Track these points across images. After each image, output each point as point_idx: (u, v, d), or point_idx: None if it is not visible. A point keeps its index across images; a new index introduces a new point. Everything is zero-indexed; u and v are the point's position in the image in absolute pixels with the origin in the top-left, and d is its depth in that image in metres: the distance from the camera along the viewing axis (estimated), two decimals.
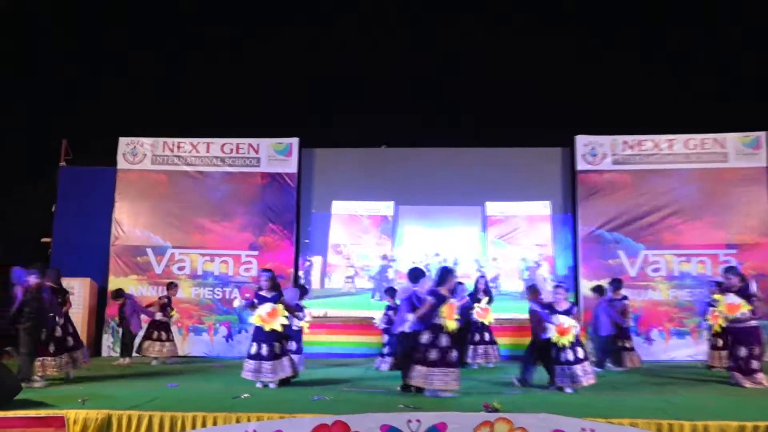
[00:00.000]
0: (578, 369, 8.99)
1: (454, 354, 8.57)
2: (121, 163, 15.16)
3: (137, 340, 12.84)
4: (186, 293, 14.49)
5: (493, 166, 15.05)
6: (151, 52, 16.38)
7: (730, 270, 10.11)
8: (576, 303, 12.87)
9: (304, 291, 11.71)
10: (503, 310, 13.35)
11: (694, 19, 15.37)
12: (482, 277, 12.78)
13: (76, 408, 7.27)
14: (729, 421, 6.80)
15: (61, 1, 15.41)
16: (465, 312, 11.36)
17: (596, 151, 14.66)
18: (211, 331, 14.41)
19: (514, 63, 16.12)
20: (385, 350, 11.51)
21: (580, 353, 9.08)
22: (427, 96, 16.06)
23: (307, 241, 15.05)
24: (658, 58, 15.94)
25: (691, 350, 13.53)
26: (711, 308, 11.12)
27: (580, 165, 14.66)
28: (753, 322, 9.71)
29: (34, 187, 15.98)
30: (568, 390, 8.92)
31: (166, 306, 13.07)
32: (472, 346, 11.96)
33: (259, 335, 9.32)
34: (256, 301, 9.50)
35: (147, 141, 15.24)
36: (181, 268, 14.80)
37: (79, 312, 13.70)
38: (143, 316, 13.03)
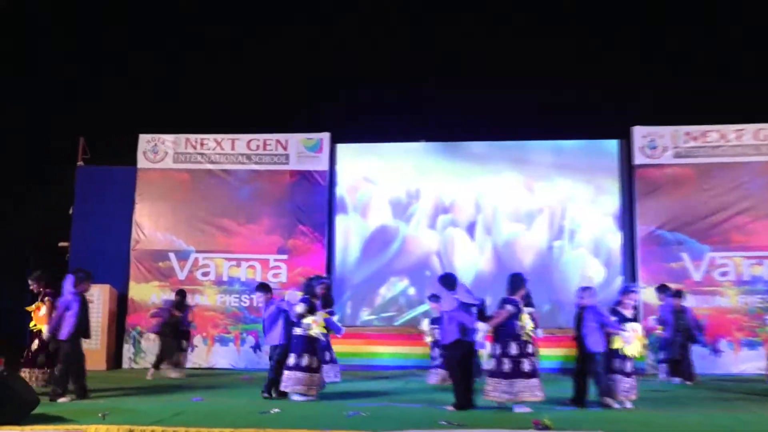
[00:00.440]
0: (634, 381, 8.92)
1: (528, 363, 8.59)
2: (142, 162, 15.40)
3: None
4: (211, 300, 14.67)
5: (543, 159, 15.04)
6: (151, 52, 16.70)
7: None
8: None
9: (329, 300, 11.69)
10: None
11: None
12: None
13: (96, 423, 7.36)
14: None
15: (61, 1, 15.81)
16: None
17: (656, 144, 14.47)
18: (237, 342, 14.57)
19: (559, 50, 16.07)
20: (436, 362, 11.51)
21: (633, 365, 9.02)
22: (468, 87, 16.03)
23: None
24: (717, 45, 15.72)
25: (764, 363, 13.26)
26: None
27: (638, 159, 14.49)
28: None
29: (49, 188, 16.30)
30: (628, 405, 8.82)
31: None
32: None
33: (306, 345, 9.43)
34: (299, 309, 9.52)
35: (168, 138, 15.46)
36: (205, 274, 14.98)
37: (98, 320, 13.96)
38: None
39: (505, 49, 16.02)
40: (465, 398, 8.59)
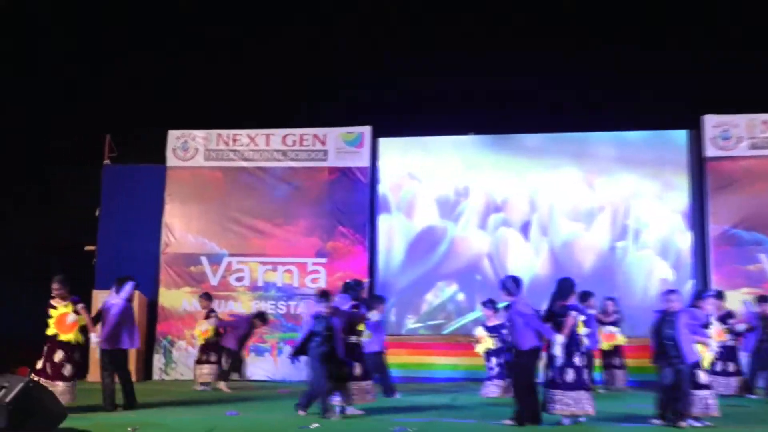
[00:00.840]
0: (713, 395, 8.76)
1: (588, 374, 8.62)
2: (171, 160, 15.61)
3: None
4: (245, 307, 14.79)
5: (605, 152, 14.90)
6: (181, 41, 16.93)
7: None
8: None
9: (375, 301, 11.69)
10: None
11: None
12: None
13: None
14: None
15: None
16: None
17: (729, 134, 14.23)
18: (274, 351, 14.69)
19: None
20: (493, 372, 11.48)
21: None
22: (520, 75, 15.90)
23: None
24: None
25: None
26: None
27: (710, 151, 14.26)
28: None
29: (73, 188, 16.59)
30: (708, 423, 8.61)
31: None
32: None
33: (358, 353, 9.53)
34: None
35: (199, 134, 15.65)
36: (239, 279, 15.13)
37: None
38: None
39: (559, 33, 15.85)
40: (533, 412, 8.53)
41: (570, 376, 8.49)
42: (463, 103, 15.97)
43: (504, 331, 11.03)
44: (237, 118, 15.83)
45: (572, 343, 8.60)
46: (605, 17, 16.09)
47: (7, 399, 7.15)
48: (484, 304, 11.98)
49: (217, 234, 15.29)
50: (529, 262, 14.68)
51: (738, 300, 12.74)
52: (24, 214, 16.62)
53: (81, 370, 10.12)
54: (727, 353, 11.69)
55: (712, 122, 14.34)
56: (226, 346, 12.83)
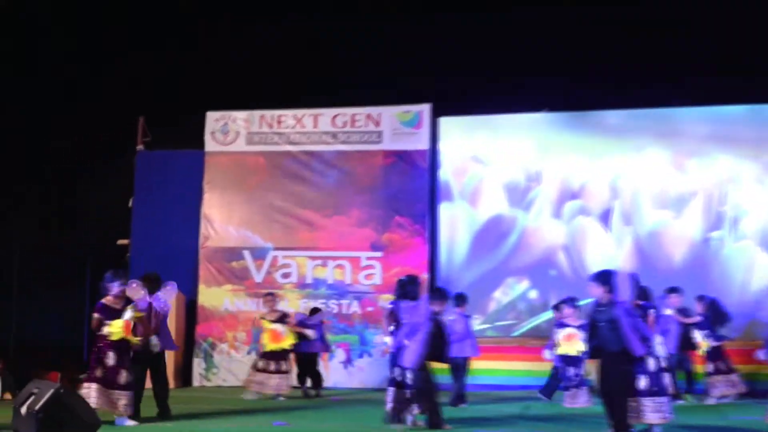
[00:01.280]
0: None
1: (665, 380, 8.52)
2: (210, 145, 15.77)
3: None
4: (293, 306, 14.83)
5: (697, 130, 14.69)
6: (216, 14, 17.11)
7: None
8: None
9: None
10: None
11: None
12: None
13: None
14: None
15: None
16: None
17: None
18: (325, 355, 14.73)
19: None
20: (573, 381, 11.38)
21: None
22: (599, 44, 15.68)
23: None
24: None
25: None
26: None
27: None
28: None
29: (104, 178, 16.90)
30: None
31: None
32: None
33: None
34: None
35: (240, 115, 15.78)
36: (285, 275, 15.25)
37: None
38: None
39: None
40: (626, 424, 8.46)
41: (645, 382, 8.38)
42: (535, 76, 15.82)
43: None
44: (282, 98, 15.91)
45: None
46: None
47: (37, 407, 7.28)
48: (564, 302, 11.82)
49: (260, 226, 15.42)
50: (610, 255, 14.47)
51: None
52: (46, 214, 17.07)
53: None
54: None
55: None
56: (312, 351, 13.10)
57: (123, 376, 9.38)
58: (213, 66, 16.65)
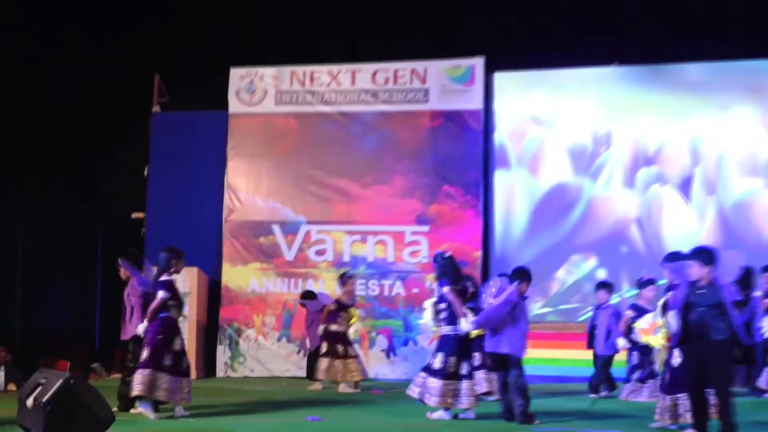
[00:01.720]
0: None
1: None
2: (234, 105, 15.76)
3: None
4: (328, 288, 14.81)
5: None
6: None
7: None
8: None
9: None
10: None
11: None
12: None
13: None
14: None
15: None
16: None
17: None
18: (364, 343, 14.72)
19: None
20: (638, 373, 11.31)
21: None
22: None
23: None
24: None
25: None
26: None
27: None
28: None
29: (117, 144, 17.01)
30: None
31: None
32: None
33: (458, 346, 9.47)
34: None
35: (268, 72, 15.74)
36: (320, 253, 15.24)
37: (183, 314, 14.43)
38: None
39: None
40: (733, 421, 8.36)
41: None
42: (602, 25, 15.67)
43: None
44: (315, 52, 15.85)
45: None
46: None
47: (44, 398, 7.29)
48: (643, 283, 11.68)
49: (291, 196, 15.42)
50: (691, 229, 14.54)
51: None
52: (50, 186, 17.22)
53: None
54: None
55: None
56: None
57: (186, 362, 9.62)
58: (237, 16, 16.63)
